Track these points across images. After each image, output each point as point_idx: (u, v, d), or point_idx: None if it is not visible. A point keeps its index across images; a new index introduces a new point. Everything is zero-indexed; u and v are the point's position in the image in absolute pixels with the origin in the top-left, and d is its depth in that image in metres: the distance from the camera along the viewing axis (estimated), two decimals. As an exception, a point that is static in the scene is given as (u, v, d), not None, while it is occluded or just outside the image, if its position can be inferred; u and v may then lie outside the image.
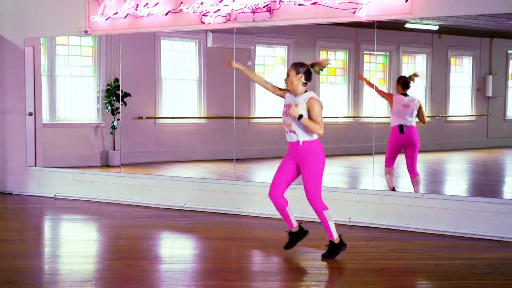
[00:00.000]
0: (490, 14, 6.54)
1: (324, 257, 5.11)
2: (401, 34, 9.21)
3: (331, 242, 5.12)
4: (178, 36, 10.23)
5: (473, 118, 10.05)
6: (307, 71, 5.03)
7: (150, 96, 10.11)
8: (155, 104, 10.14)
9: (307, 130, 4.95)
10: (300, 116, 4.88)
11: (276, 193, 5.14)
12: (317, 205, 5.04)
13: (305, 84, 5.03)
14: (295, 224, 5.26)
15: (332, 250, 5.12)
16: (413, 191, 6.84)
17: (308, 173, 5.00)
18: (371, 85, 7.75)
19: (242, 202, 7.09)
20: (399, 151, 7.11)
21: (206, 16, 7.12)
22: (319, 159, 5.00)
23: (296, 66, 5.03)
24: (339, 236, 5.14)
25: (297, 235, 5.30)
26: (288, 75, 5.05)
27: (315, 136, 4.99)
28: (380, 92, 7.50)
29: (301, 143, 4.99)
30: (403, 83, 7.08)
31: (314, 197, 5.02)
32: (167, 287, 4.50)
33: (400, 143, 7.04)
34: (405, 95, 7.07)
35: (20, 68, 8.32)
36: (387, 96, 7.36)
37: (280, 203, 5.16)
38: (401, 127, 6.97)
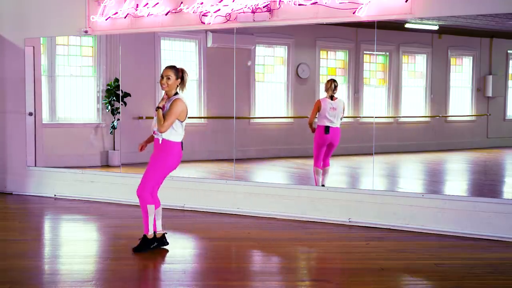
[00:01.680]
0: (490, 14, 6.54)
1: (134, 249, 5.32)
2: (401, 34, 9.21)
3: (145, 236, 5.35)
4: (178, 36, 10.22)
5: (473, 118, 10.04)
6: (183, 78, 5.27)
7: (150, 96, 10.10)
8: (155, 104, 10.11)
9: (168, 133, 5.16)
10: (158, 108, 5.14)
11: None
12: (143, 196, 5.25)
13: (177, 88, 5.26)
14: (150, 231, 5.37)
15: (143, 244, 5.34)
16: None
17: (150, 164, 5.26)
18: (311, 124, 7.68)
19: (242, 202, 7.09)
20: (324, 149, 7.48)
21: (206, 16, 7.12)
22: (167, 157, 5.22)
23: (178, 72, 5.25)
24: (154, 232, 5.35)
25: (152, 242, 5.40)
26: (168, 78, 5.21)
27: (175, 139, 5.20)
28: (313, 113, 7.56)
29: (160, 141, 5.21)
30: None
31: (143, 188, 5.26)
32: (167, 287, 4.50)
33: (325, 143, 7.42)
34: (332, 98, 7.40)
35: (20, 68, 8.32)
36: (315, 106, 7.49)
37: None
38: (326, 128, 7.33)
